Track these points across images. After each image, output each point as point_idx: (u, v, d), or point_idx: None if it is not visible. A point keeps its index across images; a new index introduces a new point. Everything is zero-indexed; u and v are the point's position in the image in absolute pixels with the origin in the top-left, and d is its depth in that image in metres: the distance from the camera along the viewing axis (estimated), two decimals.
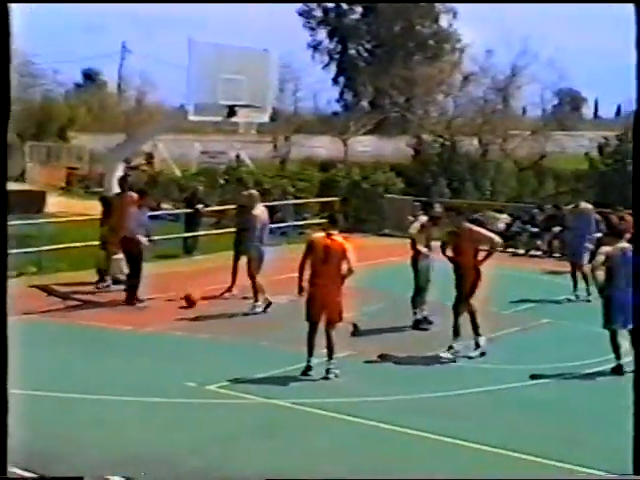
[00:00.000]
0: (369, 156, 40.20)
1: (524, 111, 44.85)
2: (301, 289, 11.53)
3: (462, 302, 12.57)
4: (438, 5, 56.88)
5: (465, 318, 12.54)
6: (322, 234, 11.62)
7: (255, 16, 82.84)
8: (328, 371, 11.37)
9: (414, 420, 9.68)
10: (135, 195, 16.67)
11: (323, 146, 45.06)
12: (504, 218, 24.54)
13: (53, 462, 8.45)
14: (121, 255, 17.33)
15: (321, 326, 11.50)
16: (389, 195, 27.55)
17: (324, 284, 11.32)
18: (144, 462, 8.47)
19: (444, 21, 57.17)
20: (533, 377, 11.44)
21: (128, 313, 15.25)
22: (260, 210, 15.59)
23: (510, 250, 23.29)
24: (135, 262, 16.09)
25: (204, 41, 16.93)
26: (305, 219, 26.16)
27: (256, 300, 15.18)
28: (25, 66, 43.56)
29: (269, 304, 15.14)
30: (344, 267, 11.39)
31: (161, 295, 16.34)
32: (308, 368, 11.41)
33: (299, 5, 57.09)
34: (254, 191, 16.04)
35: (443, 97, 41.05)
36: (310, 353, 11.43)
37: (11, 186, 19.48)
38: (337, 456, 8.79)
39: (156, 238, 18.57)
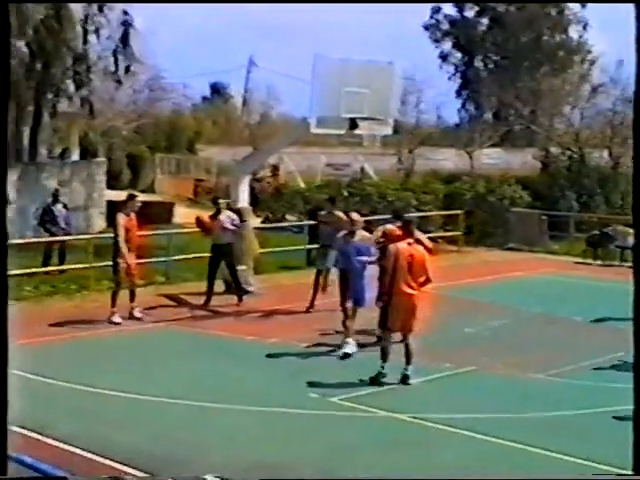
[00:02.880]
0: (496, 169, 39.68)
1: None
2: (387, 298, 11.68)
3: None
4: (568, 15, 55.88)
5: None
6: (404, 243, 11.67)
7: (380, 28, 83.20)
8: (407, 377, 11.44)
9: (536, 438, 9.48)
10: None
11: (448, 158, 44.73)
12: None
13: (176, 467, 8.64)
14: (244, 266, 17.70)
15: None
16: (515, 209, 27.17)
17: (408, 292, 11.44)
18: (264, 470, 8.56)
19: (574, 32, 56.14)
20: None
21: (253, 323, 15.47)
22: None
23: None
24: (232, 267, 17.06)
25: (329, 54, 17.05)
26: (429, 232, 26.01)
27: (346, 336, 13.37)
28: (155, 80, 44.82)
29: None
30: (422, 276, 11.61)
31: (285, 306, 16.51)
32: (381, 375, 11.51)
33: (425, 18, 57.02)
34: (341, 213, 15.66)
35: (570, 109, 40.19)
36: (384, 360, 11.55)
37: (141, 197, 19.92)
38: (459, 473, 8.70)
39: (280, 249, 18.84)
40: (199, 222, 17.26)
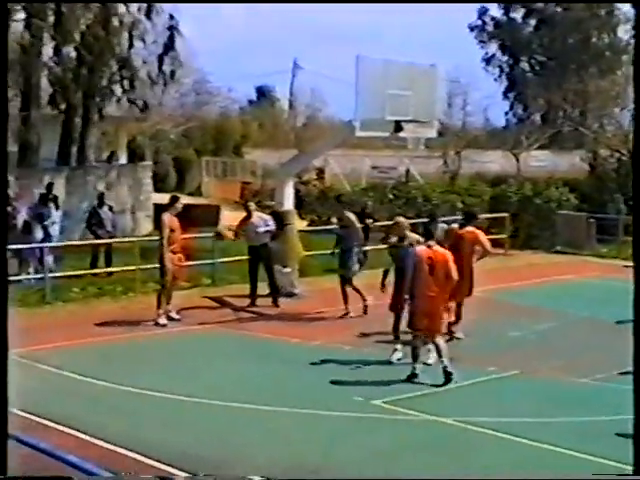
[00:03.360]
0: (543, 171, 39.33)
1: None
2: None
3: None
4: (618, 15, 55.21)
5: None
6: (423, 246, 11.84)
7: (423, 30, 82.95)
8: (446, 370, 11.44)
9: (580, 443, 9.39)
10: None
11: (494, 161, 44.44)
12: None
13: (219, 468, 8.68)
14: (289, 269, 17.76)
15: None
16: (562, 211, 26.91)
17: (429, 295, 11.53)
18: (307, 472, 8.57)
19: (623, 32, 55.41)
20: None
21: (297, 326, 15.50)
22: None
23: None
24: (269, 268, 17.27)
25: (373, 57, 16.99)
26: None
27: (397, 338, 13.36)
28: (201, 84, 45.10)
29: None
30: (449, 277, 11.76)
31: (330, 309, 16.52)
32: (413, 375, 11.66)
33: (468, 20, 56.85)
34: (352, 215, 16.64)
35: (619, 110, 39.74)
36: (415, 360, 11.72)
37: (187, 200, 20.05)
38: (500, 476, 8.63)
39: (325, 252, 18.83)
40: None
